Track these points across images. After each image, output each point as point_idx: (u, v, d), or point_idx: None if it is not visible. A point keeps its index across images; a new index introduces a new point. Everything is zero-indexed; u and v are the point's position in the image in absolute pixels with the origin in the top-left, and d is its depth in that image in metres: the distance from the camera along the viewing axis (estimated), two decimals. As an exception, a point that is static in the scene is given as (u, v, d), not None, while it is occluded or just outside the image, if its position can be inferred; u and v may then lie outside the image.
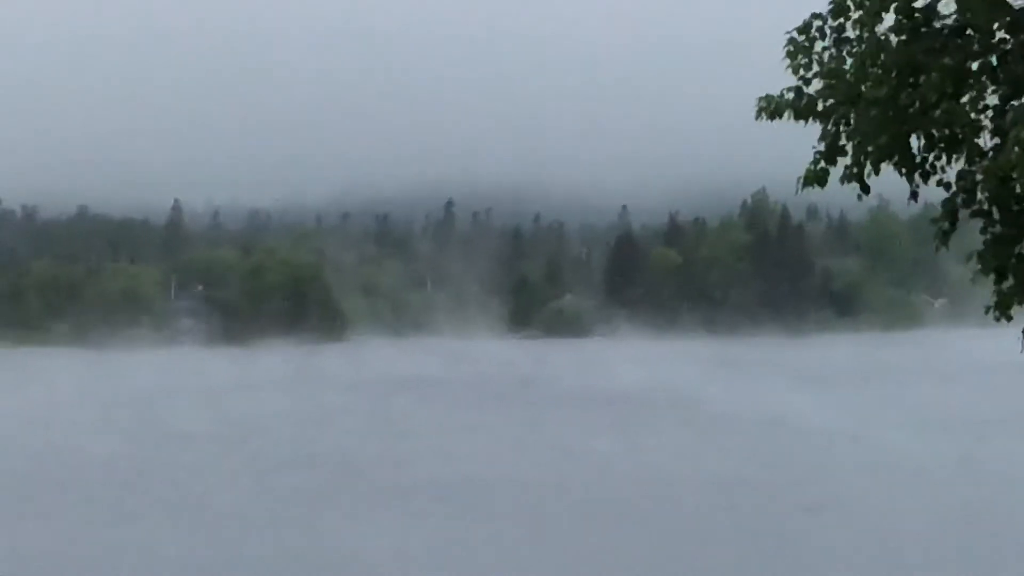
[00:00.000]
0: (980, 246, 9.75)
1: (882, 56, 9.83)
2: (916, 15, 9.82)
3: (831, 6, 10.11)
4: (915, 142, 9.86)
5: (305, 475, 55.07)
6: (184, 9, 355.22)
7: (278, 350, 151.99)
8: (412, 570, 36.71)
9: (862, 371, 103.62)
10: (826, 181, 10.08)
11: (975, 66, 9.58)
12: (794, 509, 43.90)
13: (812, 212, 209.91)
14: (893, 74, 9.76)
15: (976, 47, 9.57)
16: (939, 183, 9.89)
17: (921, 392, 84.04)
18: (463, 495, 48.62)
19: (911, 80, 9.72)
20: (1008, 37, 9.54)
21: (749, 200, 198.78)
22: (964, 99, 9.57)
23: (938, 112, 9.53)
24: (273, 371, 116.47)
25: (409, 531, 41.88)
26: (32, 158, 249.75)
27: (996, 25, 9.51)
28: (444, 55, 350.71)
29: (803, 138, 10.30)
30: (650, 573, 35.71)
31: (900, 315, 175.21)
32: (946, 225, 9.86)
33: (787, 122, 10.19)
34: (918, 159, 9.90)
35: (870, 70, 9.81)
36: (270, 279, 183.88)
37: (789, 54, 10.19)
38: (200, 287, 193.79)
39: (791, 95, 10.13)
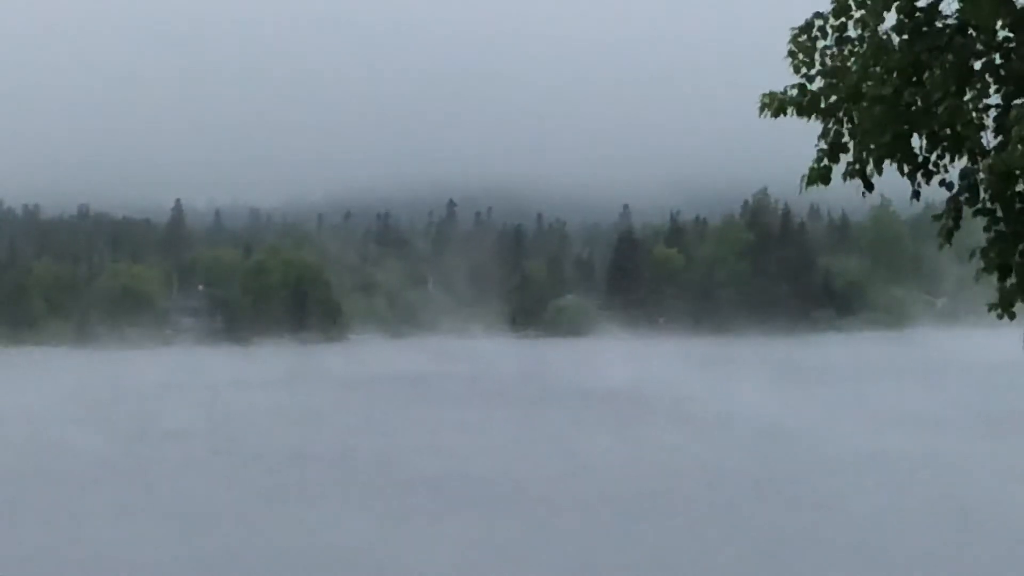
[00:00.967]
0: (982, 244, 9.75)
1: (884, 55, 9.84)
2: (918, 14, 9.82)
3: (833, 5, 10.11)
4: (917, 141, 9.86)
5: (287, 470, 55.69)
6: (185, 10, 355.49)
7: (278, 349, 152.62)
8: (393, 563, 36.97)
9: (848, 370, 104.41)
10: (829, 179, 10.08)
11: (977, 65, 9.58)
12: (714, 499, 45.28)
13: (814, 211, 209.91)
14: (895, 73, 9.77)
15: (978, 46, 9.58)
16: (941, 183, 9.89)
17: (895, 390, 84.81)
18: (448, 490, 49.09)
19: (913, 79, 9.72)
20: (1011, 36, 9.54)
21: (750, 199, 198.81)
22: (967, 98, 9.57)
23: (941, 111, 9.54)
24: (270, 369, 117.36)
25: (392, 525, 42.33)
26: (33, 158, 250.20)
27: (998, 24, 9.52)
28: (445, 55, 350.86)
29: (805, 137, 10.33)
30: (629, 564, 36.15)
31: (901, 314, 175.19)
32: (949, 223, 9.86)
33: (790, 120, 10.20)
34: (920, 158, 9.91)
35: (872, 69, 9.82)
36: (271, 278, 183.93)
37: (791, 53, 10.20)
38: (201, 286, 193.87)
39: (794, 92, 10.14)
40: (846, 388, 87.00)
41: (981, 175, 9.55)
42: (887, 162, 9.89)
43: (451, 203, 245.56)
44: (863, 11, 9.96)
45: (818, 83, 10.10)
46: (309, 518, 43.80)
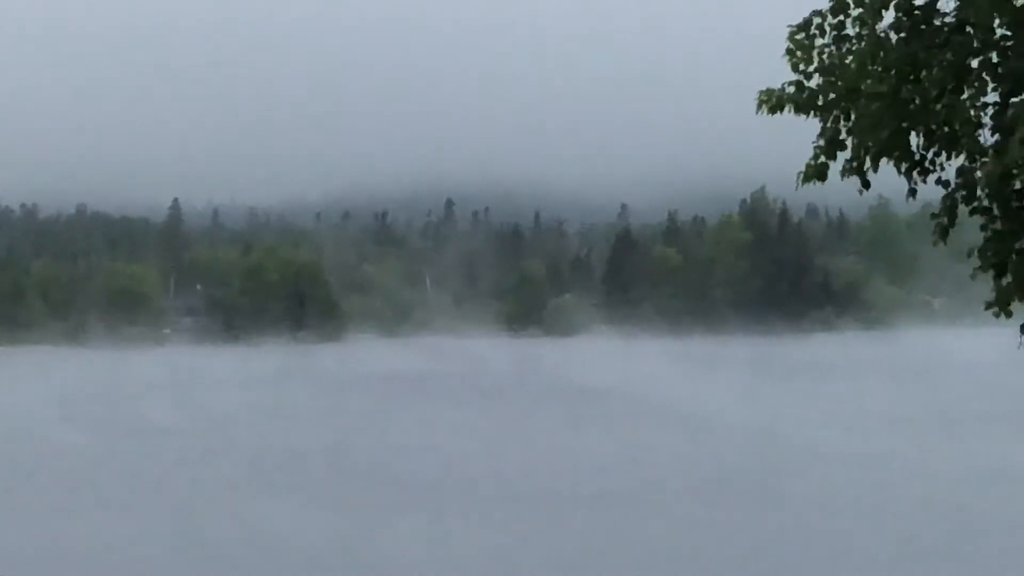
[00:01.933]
0: (979, 242, 9.76)
1: (882, 53, 9.84)
2: (916, 12, 9.83)
3: (831, 3, 10.11)
4: (915, 139, 9.87)
5: (273, 466, 56.25)
6: (184, 9, 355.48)
7: (275, 348, 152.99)
8: (371, 558, 37.27)
9: (836, 369, 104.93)
10: (826, 176, 10.09)
11: (975, 63, 9.58)
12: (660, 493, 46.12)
13: (812, 210, 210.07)
14: (893, 71, 9.78)
15: (976, 44, 9.58)
16: (938, 181, 9.90)
17: (879, 390, 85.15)
18: (428, 485, 49.62)
19: (911, 77, 9.73)
20: (1008, 34, 9.55)
21: (748, 198, 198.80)
22: (964, 96, 9.58)
23: (938, 109, 9.55)
24: (265, 368, 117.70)
25: (370, 519, 42.71)
26: (31, 157, 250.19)
27: (996, 22, 9.53)
28: (444, 54, 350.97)
29: (803, 136, 10.32)
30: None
31: (899, 313, 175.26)
32: (945, 221, 9.87)
33: (788, 119, 10.21)
34: (917, 156, 9.91)
35: (870, 67, 9.83)
36: (269, 278, 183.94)
37: (789, 51, 10.20)
38: (199, 286, 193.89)
39: (791, 89, 10.14)
40: (831, 387, 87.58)
41: (978, 173, 9.57)
42: (884, 160, 9.90)
43: (449, 202, 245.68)
44: (861, 9, 9.96)
45: (816, 80, 10.10)
46: (288, 513, 44.09)
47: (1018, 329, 10.07)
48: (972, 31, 9.57)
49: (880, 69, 9.78)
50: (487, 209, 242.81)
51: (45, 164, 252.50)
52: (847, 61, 9.95)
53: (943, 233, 9.89)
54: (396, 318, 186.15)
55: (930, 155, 9.86)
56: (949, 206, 9.80)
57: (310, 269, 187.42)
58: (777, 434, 61.59)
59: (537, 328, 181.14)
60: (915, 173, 9.92)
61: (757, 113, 10.16)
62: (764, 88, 10.20)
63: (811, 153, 10.15)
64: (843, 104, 9.94)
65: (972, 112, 9.52)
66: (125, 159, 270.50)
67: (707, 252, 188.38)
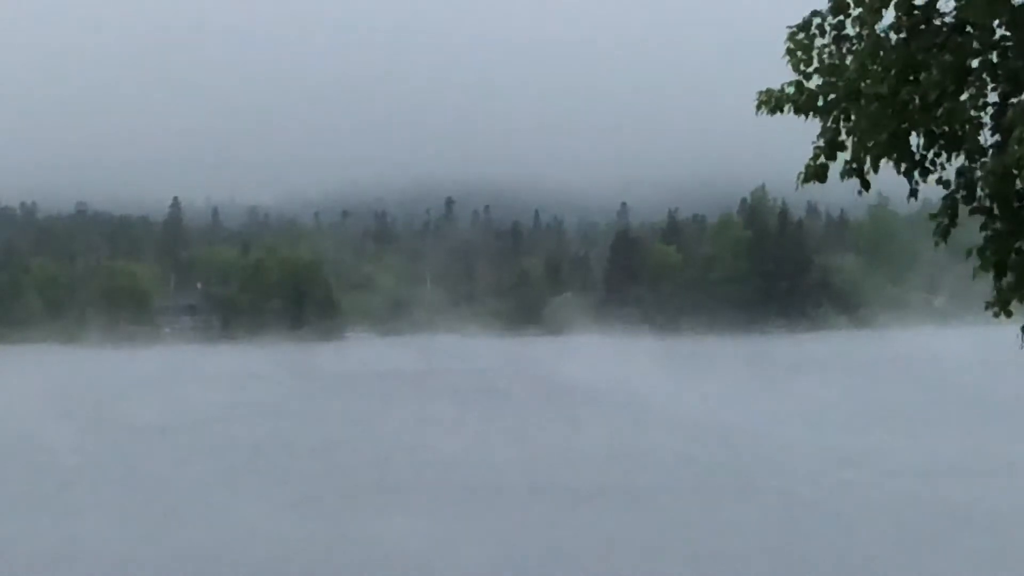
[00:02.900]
0: (979, 242, 9.77)
1: (882, 53, 9.84)
2: (916, 12, 9.83)
3: (831, 3, 10.11)
4: (915, 139, 9.88)
5: (259, 462, 57.38)
6: (184, 8, 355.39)
7: (274, 346, 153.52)
8: (347, 549, 37.94)
9: (825, 368, 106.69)
10: (826, 176, 10.09)
11: (975, 63, 9.59)
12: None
13: (811, 209, 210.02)
14: (892, 72, 9.78)
15: (976, 44, 9.59)
16: (938, 181, 9.90)
17: (855, 386, 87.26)
18: (412, 480, 51.10)
19: (911, 77, 9.73)
20: (1008, 34, 9.55)
21: (748, 197, 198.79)
22: (964, 96, 9.58)
23: (938, 109, 9.55)
24: (262, 366, 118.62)
25: (351, 516, 43.57)
26: (31, 156, 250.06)
27: (996, 22, 9.53)
28: (443, 54, 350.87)
29: (803, 135, 10.33)
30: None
31: (898, 312, 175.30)
32: (945, 221, 9.88)
33: (787, 118, 10.20)
34: (917, 156, 9.92)
35: (870, 68, 9.83)
36: (269, 277, 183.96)
37: (789, 51, 10.20)
38: (199, 284, 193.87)
39: (791, 89, 10.14)
40: (815, 385, 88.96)
41: (978, 173, 9.57)
42: (884, 160, 9.91)
43: (449, 201, 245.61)
44: (861, 9, 9.96)
45: (815, 81, 10.10)
46: (271, 509, 44.87)
47: (1018, 327, 10.08)
48: (971, 31, 9.58)
49: (880, 69, 9.78)
50: (487, 208, 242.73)
51: (45, 163, 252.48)
52: (847, 62, 9.95)
53: (944, 233, 9.89)
54: (395, 317, 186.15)
55: (930, 155, 9.87)
56: (949, 206, 9.80)
57: (309, 268, 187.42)
58: (751, 431, 62.99)
59: (537, 327, 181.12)
60: (915, 173, 9.92)
61: (757, 114, 10.16)
62: (764, 89, 10.20)
63: (811, 153, 10.16)
64: (843, 105, 9.94)
65: (972, 112, 9.53)
66: (125, 158, 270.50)
67: (707, 251, 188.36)
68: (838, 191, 10.57)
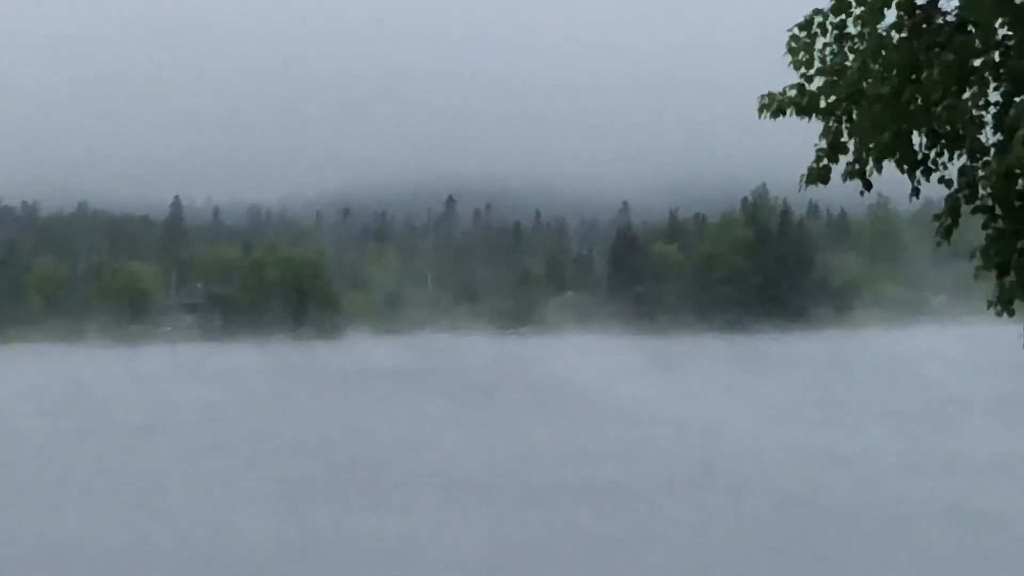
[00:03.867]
0: (981, 242, 9.76)
1: (883, 53, 9.84)
2: (918, 12, 9.82)
3: (833, 2, 10.11)
4: (917, 139, 9.87)
5: (244, 460, 58.12)
6: (185, 7, 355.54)
7: (275, 345, 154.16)
8: (304, 549, 38.25)
9: (808, 366, 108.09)
10: (828, 179, 10.09)
11: (977, 63, 9.58)
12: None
13: (813, 208, 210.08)
14: (894, 71, 9.77)
15: (978, 44, 9.58)
16: (941, 180, 9.89)
17: (830, 385, 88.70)
18: (385, 477, 51.88)
19: (913, 77, 9.73)
20: (1010, 33, 9.54)
21: (750, 196, 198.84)
22: (966, 96, 9.58)
23: (940, 109, 9.54)
24: (259, 365, 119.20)
25: (337, 512, 44.22)
26: (33, 154, 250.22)
27: (998, 21, 9.52)
28: (444, 53, 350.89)
29: (804, 134, 10.32)
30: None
31: (899, 311, 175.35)
32: (948, 221, 9.88)
33: (788, 118, 10.20)
34: (920, 156, 9.91)
35: (872, 67, 9.82)
36: (270, 275, 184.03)
37: (791, 51, 10.20)
38: (200, 283, 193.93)
39: (793, 92, 10.14)
40: (797, 384, 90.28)
41: (980, 173, 9.57)
42: (886, 160, 9.91)
43: (450, 200, 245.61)
44: (863, 8, 9.96)
45: (817, 82, 10.10)
46: (254, 505, 45.48)
47: (1020, 326, 10.08)
48: (973, 31, 9.57)
49: (881, 69, 9.78)
50: (488, 207, 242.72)
51: (46, 162, 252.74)
52: (847, 62, 9.95)
53: (946, 233, 9.89)
54: (396, 315, 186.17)
55: (932, 155, 9.87)
56: (952, 206, 9.80)
57: (310, 266, 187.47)
58: (725, 428, 64.37)
59: (537, 326, 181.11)
60: (918, 172, 9.92)
61: (760, 118, 10.16)
62: (765, 92, 10.20)
63: (812, 152, 10.16)
64: (844, 106, 9.94)
65: (974, 112, 9.52)
66: (126, 157, 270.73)
67: (708, 250, 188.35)
68: (839, 190, 10.58)
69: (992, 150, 9.50)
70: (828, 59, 10.08)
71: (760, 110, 10.18)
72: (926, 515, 40.59)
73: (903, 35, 9.84)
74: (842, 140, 9.99)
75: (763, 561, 35.59)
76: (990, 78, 9.55)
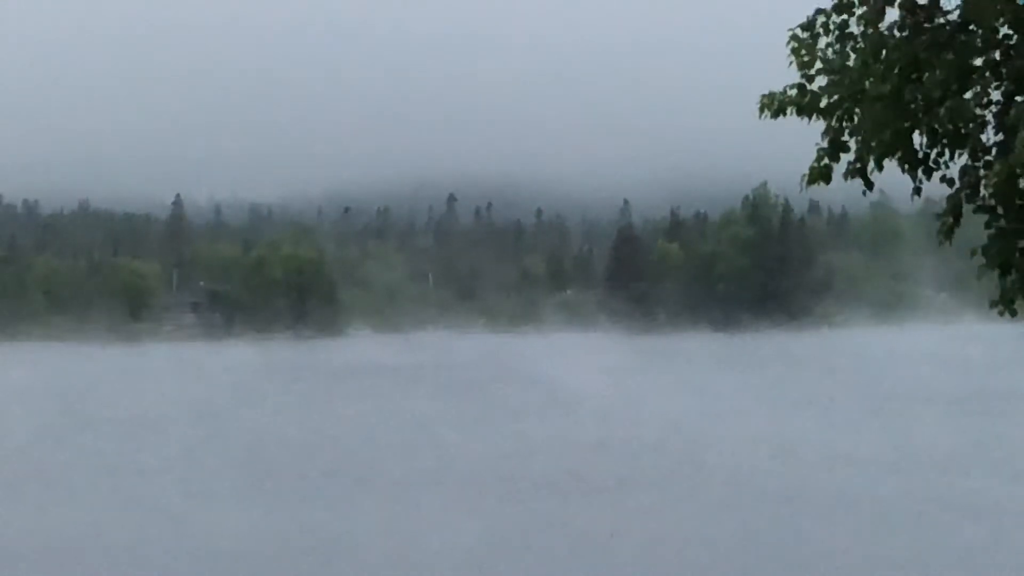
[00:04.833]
0: (983, 240, 9.78)
1: (885, 52, 9.85)
2: (919, 11, 9.84)
3: (835, 1, 10.13)
4: (918, 138, 9.88)
5: (214, 457, 59.09)
6: (186, 6, 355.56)
7: (275, 344, 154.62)
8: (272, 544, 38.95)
9: (789, 364, 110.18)
10: (830, 178, 10.11)
11: (978, 62, 9.60)
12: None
13: (814, 207, 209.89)
14: (896, 70, 9.79)
15: (979, 43, 9.60)
16: (942, 179, 9.91)
17: (810, 382, 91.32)
18: (368, 473, 53.33)
19: (914, 76, 9.74)
20: (1011, 33, 9.56)
21: (751, 194, 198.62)
22: (968, 95, 9.59)
23: (942, 108, 9.56)
24: (253, 364, 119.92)
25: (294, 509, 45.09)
26: (34, 153, 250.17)
27: (1000, 21, 9.54)
28: (445, 51, 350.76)
29: (805, 133, 10.34)
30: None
31: (900, 309, 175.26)
32: (949, 220, 9.89)
33: (790, 118, 10.22)
34: (921, 155, 9.93)
35: (873, 66, 9.84)
36: (271, 274, 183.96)
37: (793, 50, 10.21)
38: (202, 282, 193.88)
39: (794, 92, 10.15)
40: (772, 380, 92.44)
41: (982, 173, 9.58)
42: (888, 159, 9.93)
43: (451, 198, 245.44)
44: (865, 7, 9.97)
45: (819, 82, 10.12)
46: (244, 501, 46.43)
47: (1021, 324, 10.09)
48: (975, 30, 9.58)
49: (883, 68, 9.79)
50: (489, 205, 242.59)
51: (47, 160, 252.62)
52: (849, 62, 9.96)
53: (948, 233, 9.91)
54: (397, 314, 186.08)
55: (934, 154, 9.88)
56: (953, 206, 9.82)
57: (312, 265, 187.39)
58: (701, 424, 66.47)
59: (538, 324, 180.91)
60: (919, 171, 9.93)
61: (760, 118, 10.19)
62: (766, 92, 10.22)
63: (814, 149, 10.18)
64: (846, 105, 9.95)
65: (976, 111, 9.54)
66: (127, 155, 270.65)
67: (709, 248, 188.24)
68: (840, 188, 10.60)
69: (994, 150, 9.52)
70: (830, 58, 10.10)
71: (761, 110, 10.21)
72: (833, 502, 43.80)
73: (905, 34, 9.85)
74: (843, 140, 10.01)
75: (693, 534, 39.03)
76: (991, 77, 9.56)
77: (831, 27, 10.15)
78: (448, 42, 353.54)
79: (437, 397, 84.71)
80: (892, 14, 9.96)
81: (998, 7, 9.44)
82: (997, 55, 9.60)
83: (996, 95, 9.60)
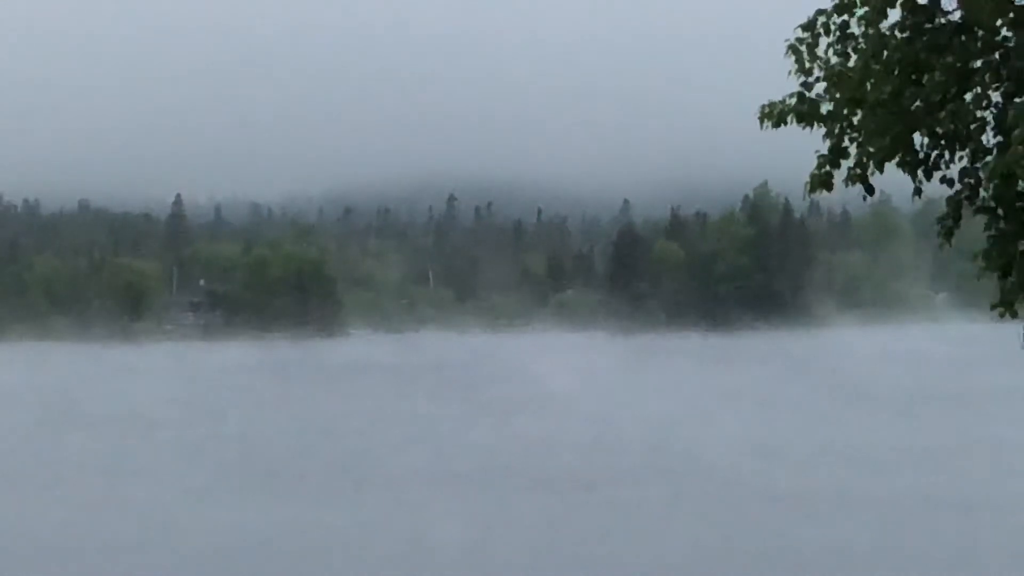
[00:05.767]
0: (983, 242, 9.78)
1: (885, 53, 9.84)
2: (920, 12, 9.83)
3: (835, 2, 10.11)
4: (919, 139, 9.88)
5: (199, 454, 60.13)
6: (187, 6, 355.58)
7: (275, 343, 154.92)
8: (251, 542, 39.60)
9: (775, 364, 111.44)
10: (832, 186, 10.09)
11: (978, 64, 9.59)
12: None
13: (814, 206, 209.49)
14: (896, 71, 9.77)
15: (979, 45, 9.59)
16: (942, 179, 9.90)
17: (781, 382, 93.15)
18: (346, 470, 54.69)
19: (914, 78, 9.74)
20: (1011, 35, 9.55)
21: (751, 194, 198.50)
22: (967, 97, 9.58)
23: (942, 110, 9.56)
24: (251, 363, 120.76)
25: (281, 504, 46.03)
26: (34, 152, 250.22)
27: (999, 23, 9.53)
28: (446, 51, 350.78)
29: (805, 133, 10.32)
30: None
31: (901, 308, 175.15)
32: (950, 222, 9.89)
33: (790, 126, 10.21)
34: (922, 155, 9.92)
35: (874, 67, 9.82)
36: (272, 273, 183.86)
37: (794, 51, 10.19)
38: (202, 281, 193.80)
39: (794, 100, 10.13)
40: (752, 380, 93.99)
41: (982, 174, 9.58)
42: (889, 162, 9.92)
43: (451, 198, 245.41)
44: (866, 8, 9.96)
45: (818, 88, 10.10)
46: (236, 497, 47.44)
47: (1021, 325, 10.09)
48: (975, 32, 9.57)
49: (883, 68, 9.78)
50: (489, 205, 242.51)
51: (48, 160, 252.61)
52: (849, 64, 9.94)
53: (948, 235, 9.91)
54: (398, 313, 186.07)
55: (934, 155, 9.87)
56: (953, 207, 9.81)
57: (312, 264, 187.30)
58: (673, 422, 68.27)
59: (538, 324, 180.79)
60: (920, 172, 9.92)
61: (762, 128, 10.17)
62: (766, 102, 10.20)
63: (814, 151, 10.17)
64: (846, 112, 9.94)
65: (976, 113, 9.53)
66: (127, 155, 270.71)
67: (709, 248, 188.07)
68: (841, 188, 10.60)
69: (994, 151, 9.52)
70: (831, 60, 10.08)
71: (761, 120, 10.18)
72: (806, 498, 45.66)
73: (906, 35, 9.84)
74: (843, 146, 10.00)
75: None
76: (991, 79, 9.56)
77: (832, 28, 10.12)
78: (449, 42, 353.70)
79: (431, 397, 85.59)
80: (893, 15, 9.95)
81: (997, 9, 9.43)
82: (997, 57, 9.59)
83: (996, 97, 9.59)
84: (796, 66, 10.16)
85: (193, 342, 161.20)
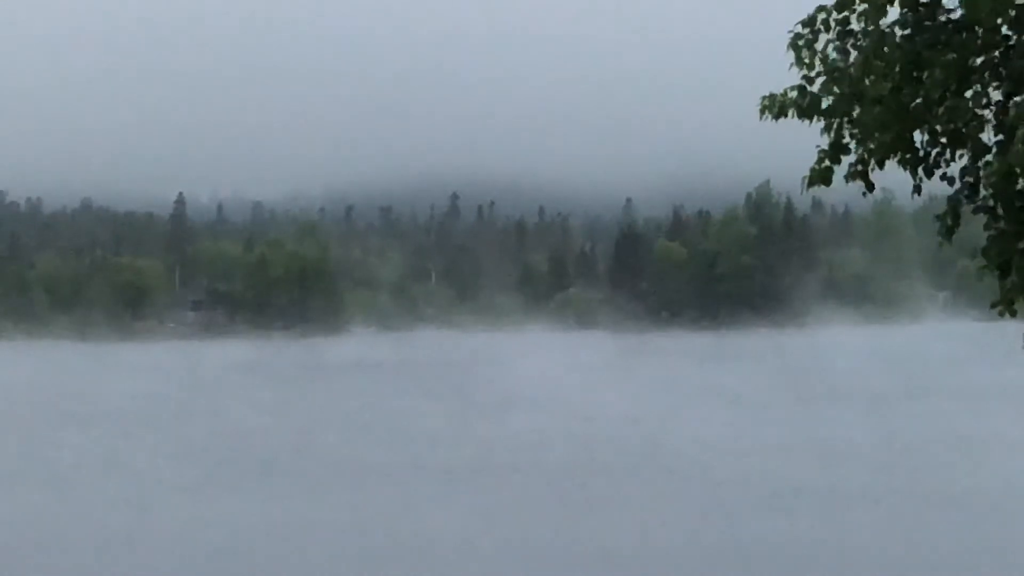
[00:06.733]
0: (983, 240, 9.75)
1: (886, 50, 9.82)
2: (921, 9, 9.80)
3: (835, -1, 10.08)
4: (919, 137, 9.85)
5: (203, 451, 61.14)
6: (188, 5, 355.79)
7: (276, 342, 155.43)
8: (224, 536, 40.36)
9: (764, 362, 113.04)
10: (831, 180, 10.07)
11: (979, 61, 9.56)
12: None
13: (816, 205, 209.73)
14: (896, 68, 9.75)
15: (980, 42, 9.56)
16: (943, 177, 9.88)
17: (763, 380, 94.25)
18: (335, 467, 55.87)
19: (914, 75, 9.71)
20: (1012, 33, 9.52)
21: (753, 193, 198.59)
22: (968, 95, 9.56)
23: (942, 108, 9.53)
24: (250, 362, 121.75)
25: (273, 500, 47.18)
26: (36, 151, 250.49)
27: (1000, 20, 9.49)
28: (448, 50, 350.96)
29: (807, 131, 10.30)
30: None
31: (903, 307, 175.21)
32: (949, 221, 9.86)
33: (792, 119, 10.18)
34: (922, 153, 9.90)
35: (874, 63, 9.80)
36: (274, 272, 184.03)
37: (794, 48, 10.17)
38: (204, 280, 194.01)
39: (794, 93, 10.11)
40: (733, 379, 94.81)
41: (982, 173, 9.55)
42: (889, 159, 9.90)
43: (454, 196, 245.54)
44: (866, 4, 9.93)
45: (818, 84, 10.08)
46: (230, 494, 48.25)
47: (1022, 324, 10.06)
48: (976, 29, 9.54)
49: (883, 65, 9.76)
50: (492, 203, 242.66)
51: (50, 159, 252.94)
52: (850, 61, 9.92)
53: (948, 233, 9.88)
54: (400, 312, 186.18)
55: (934, 153, 9.85)
56: (953, 206, 9.79)
57: (314, 263, 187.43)
58: (648, 419, 70.31)
59: (538, 323, 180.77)
60: (920, 170, 9.91)
61: (761, 120, 10.14)
62: (766, 94, 10.17)
63: (815, 150, 10.15)
64: (846, 107, 9.91)
65: (976, 111, 9.51)
66: (130, 154, 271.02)
67: (712, 246, 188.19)
68: (843, 186, 10.57)
69: (994, 149, 9.49)
70: (831, 56, 10.06)
71: (761, 112, 10.16)
72: (780, 493, 47.56)
73: (906, 31, 9.82)
74: (844, 141, 9.98)
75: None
76: (991, 77, 9.53)
77: (832, 24, 10.10)
78: (451, 41, 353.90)
79: (430, 394, 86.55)
80: (893, 12, 9.92)
81: (998, 6, 9.39)
82: (997, 55, 9.55)
83: (996, 95, 9.56)
84: (796, 64, 10.14)
85: (195, 340, 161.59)
